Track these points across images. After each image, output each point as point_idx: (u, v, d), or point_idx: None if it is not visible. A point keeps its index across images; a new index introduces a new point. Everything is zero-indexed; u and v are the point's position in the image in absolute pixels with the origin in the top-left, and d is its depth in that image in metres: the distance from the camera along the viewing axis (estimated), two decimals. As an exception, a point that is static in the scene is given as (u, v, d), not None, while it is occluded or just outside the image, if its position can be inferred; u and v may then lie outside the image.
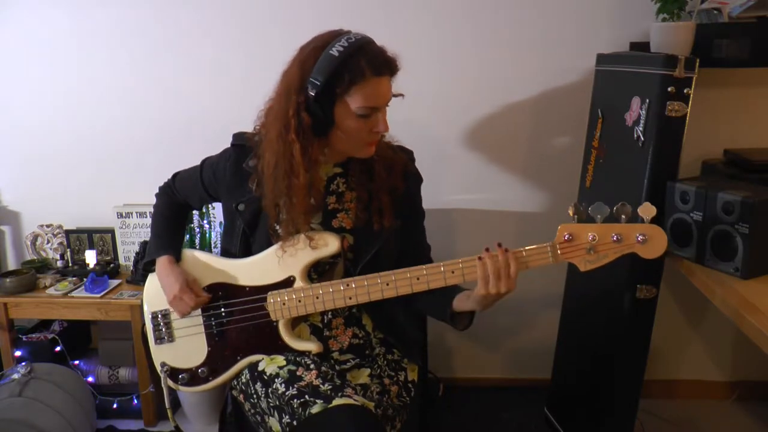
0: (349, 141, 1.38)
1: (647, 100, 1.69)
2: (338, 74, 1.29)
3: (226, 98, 2.32)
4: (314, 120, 1.34)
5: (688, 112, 1.65)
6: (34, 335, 2.43)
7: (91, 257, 2.44)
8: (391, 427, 1.37)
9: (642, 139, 1.71)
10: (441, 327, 2.41)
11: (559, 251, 1.30)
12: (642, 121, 1.71)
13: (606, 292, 1.89)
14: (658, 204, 1.64)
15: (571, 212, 1.28)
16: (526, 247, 1.31)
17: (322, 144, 1.41)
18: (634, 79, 1.79)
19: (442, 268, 1.34)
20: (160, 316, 1.54)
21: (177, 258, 1.54)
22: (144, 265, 1.59)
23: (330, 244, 1.41)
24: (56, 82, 2.40)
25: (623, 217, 1.27)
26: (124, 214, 2.44)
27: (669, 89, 1.64)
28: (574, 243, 1.29)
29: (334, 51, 1.28)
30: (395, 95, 1.41)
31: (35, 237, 2.43)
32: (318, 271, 1.47)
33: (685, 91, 1.64)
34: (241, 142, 1.48)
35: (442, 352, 2.55)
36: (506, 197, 2.38)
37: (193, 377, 1.51)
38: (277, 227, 1.43)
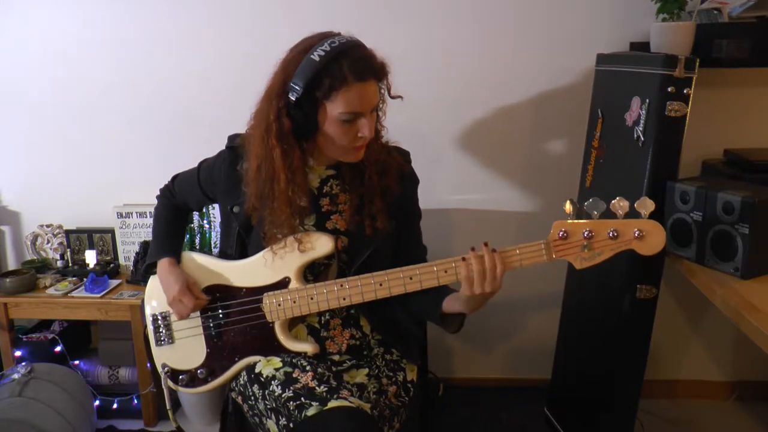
0: (333, 146, 1.37)
1: (647, 100, 1.69)
2: (318, 79, 1.27)
3: (227, 98, 2.32)
4: (295, 125, 1.33)
5: (688, 112, 1.65)
6: (34, 335, 2.43)
7: (91, 257, 2.44)
8: (389, 427, 1.37)
9: (642, 139, 1.71)
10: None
11: (553, 249, 1.27)
12: (642, 121, 1.71)
13: (606, 292, 1.89)
14: (658, 204, 1.64)
15: (567, 208, 1.26)
16: (520, 245, 1.29)
17: (307, 148, 1.40)
18: (634, 79, 1.78)
19: (434, 268, 1.33)
20: (160, 318, 1.55)
21: (178, 260, 1.55)
22: (145, 268, 1.60)
23: (320, 246, 1.40)
24: (56, 83, 2.40)
25: (620, 212, 1.24)
26: (124, 214, 2.44)
27: (669, 89, 1.64)
28: (569, 240, 1.26)
29: (315, 56, 1.26)
30: (393, 97, 1.40)
31: (35, 237, 2.43)
32: (313, 272, 1.47)
33: (685, 91, 1.64)
34: (235, 144, 1.47)
35: (441, 352, 2.55)
36: (506, 197, 2.38)
37: (192, 378, 1.52)
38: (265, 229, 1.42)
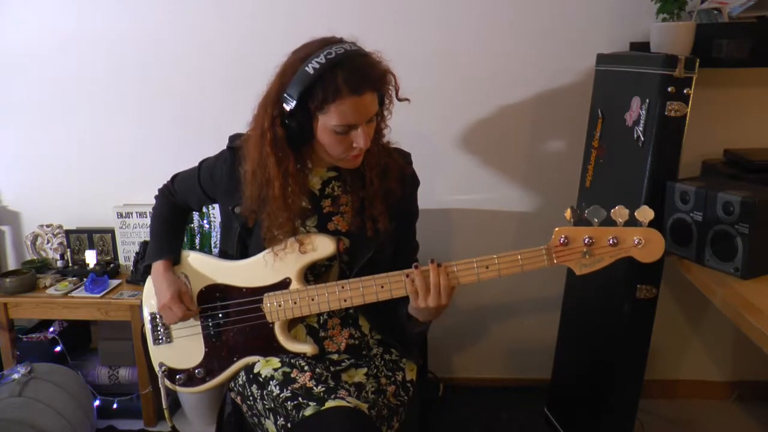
0: (329, 154, 1.37)
1: (647, 100, 1.69)
2: (312, 92, 1.26)
3: (227, 98, 2.32)
4: (289, 134, 1.33)
5: (688, 112, 1.65)
6: (34, 335, 2.43)
7: (91, 257, 2.44)
8: (387, 427, 1.37)
9: (642, 139, 1.71)
10: (441, 327, 2.43)
11: (554, 255, 1.29)
12: (642, 121, 1.71)
13: (606, 292, 1.89)
14: (657, 204, 1.65)
15: (567, 215, 1.27)
16: (522, 250, 1.30)
17: (304, 154, 1.40)
18: (634, 79, 1.78)
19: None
20: (158, 317, 1.55)
21: (176, 261, 1.55)
22: (144, 268, 1.60)
23: (321, 248, 1.40)
24: (56, 82, 2.40)
25: (620, 220, 1.26)
26: (124, 214, 2.44)
27: (669, 89, 1.63)
28: (570, 246, 1.28)
29: (309, 68, 1.25)
30: (401, 100, 1.39)
31: (35, 237, 2.44)
32: (314, 273, 1.47)
33: (685, 91, 1.63)
34: (236, 145, 1.47)
35: (442, 352, 2.55)
36: (506, 197, 2.37)
37: (190, 378, 1.52)
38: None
